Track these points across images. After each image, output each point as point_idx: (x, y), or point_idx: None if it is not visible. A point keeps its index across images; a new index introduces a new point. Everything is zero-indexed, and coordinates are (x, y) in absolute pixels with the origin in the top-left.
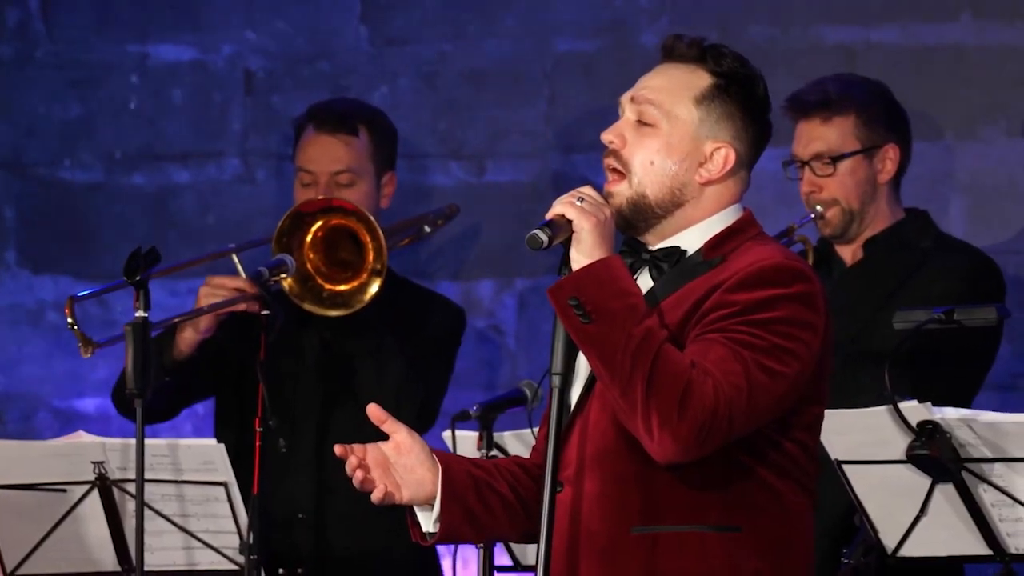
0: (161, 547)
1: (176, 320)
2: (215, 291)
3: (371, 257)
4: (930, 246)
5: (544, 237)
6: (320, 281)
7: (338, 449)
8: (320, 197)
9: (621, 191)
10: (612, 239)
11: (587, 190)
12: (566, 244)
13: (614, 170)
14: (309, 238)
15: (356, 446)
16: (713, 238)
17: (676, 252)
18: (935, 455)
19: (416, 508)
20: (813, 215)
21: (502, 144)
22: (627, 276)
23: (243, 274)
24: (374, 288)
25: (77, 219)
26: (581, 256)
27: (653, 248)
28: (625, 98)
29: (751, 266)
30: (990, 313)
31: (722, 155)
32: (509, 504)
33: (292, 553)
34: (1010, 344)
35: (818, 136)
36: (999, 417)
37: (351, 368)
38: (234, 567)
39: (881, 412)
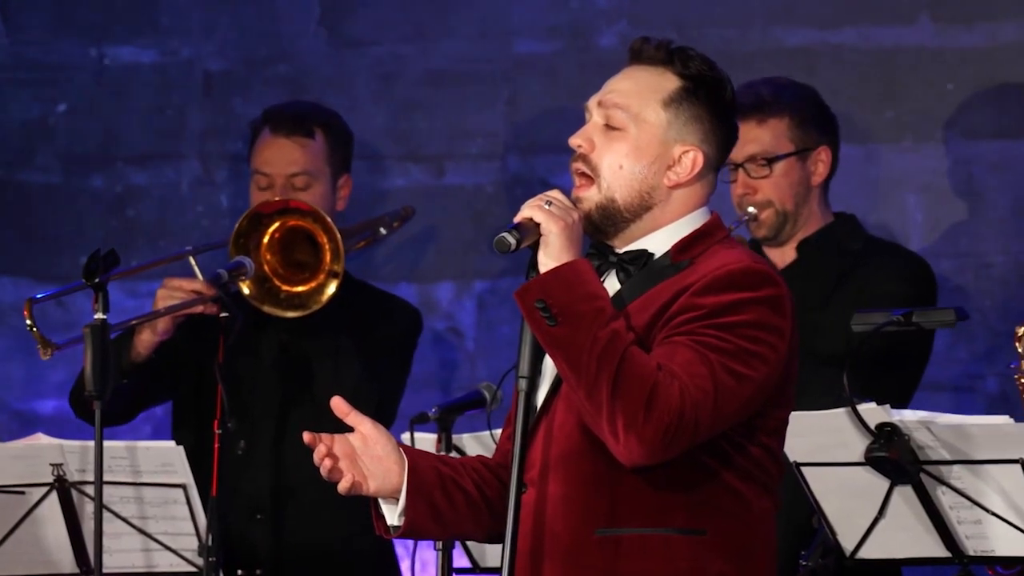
0: (120, 549)
1: (134, 322)
2: (172, 293)
3: (328, 258)
4: (861, 248)
5: (512, 240)
6: (277, 283)
7: (307, 436)
8: (269, 200)
9: (590, 196)
10: (580, 243)
11: (555, 194)
12: (534, 247)
13: (582, 174)
14: (266, 239)
15: (324, 435)
16: (680, 241)
17: (643, 255)
18: (894, 457)
19: (381, 500)
20: (746, 217)
21: (461, 146)
22: (594, 279)
23: (200, 276)
24: (331, 289)
25: (36, 221)
26: (549, 259)
27: (620, 251)
28: (592, 102)
29: (719, 269)
30: (948, 315)
31: (690, 158)
32: (474, 502)
33: (250, 553)
34: (968, 346)
35: (752, 138)
36: (957, 419)
37: (309, 369)
38: (193, 569)
39: (840, 414)
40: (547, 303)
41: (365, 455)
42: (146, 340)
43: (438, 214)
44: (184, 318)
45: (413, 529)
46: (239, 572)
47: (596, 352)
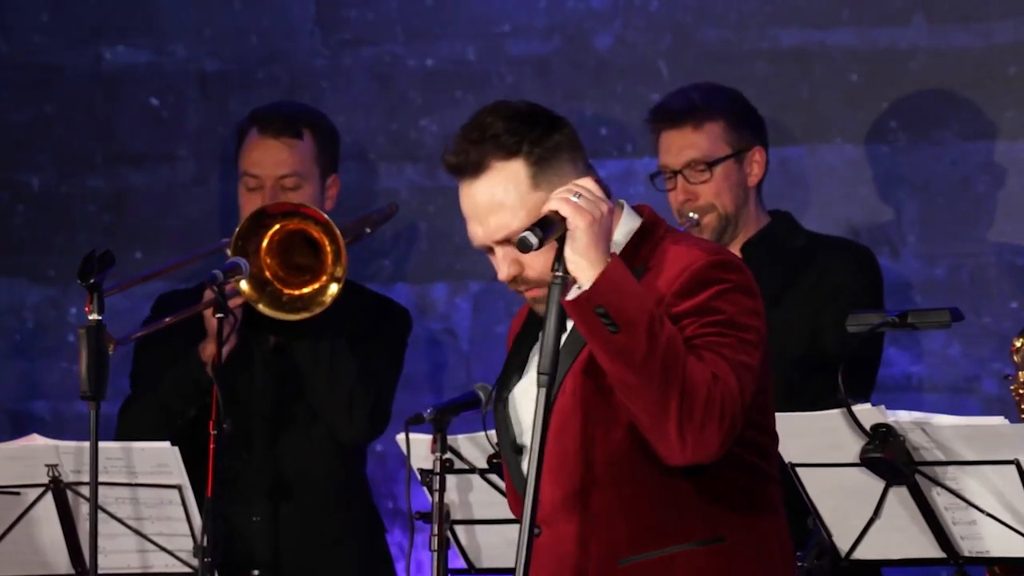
0: (115, 550)
1: (140, 334)
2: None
3: (329, 260)
4: (804, 244)
5: (534, 240)
6: (278, 286)
7: None
8: (280, 200)
9: (540, 294)
10: (610, 236)
11: (586, 183)
12: (560, 241)
13: (529, 290)
14: (265, 243)
15: None
16: (625, 249)
17: None
18: (889, 458)
19: None
20: (688, 224)
21: None
22: (632, 277)
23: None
24: (333, 290)
25: (31, 221)
26: (576, 256)
27: None
28: (486, 240)
29: (681, 274)
30: (944, 316)
31: (588, 186)
32: None
33: (246, 555)
34: (963, 347)
35: (690, 143)
36: (952, 420)
37: (303, 372)
38: (188, 569)
39: (835, 415)
40: (606, 309)
41: None
42: (214, 352)
43: (433, 215)
44: (240, 320)
45: None
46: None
47: (659, 355)
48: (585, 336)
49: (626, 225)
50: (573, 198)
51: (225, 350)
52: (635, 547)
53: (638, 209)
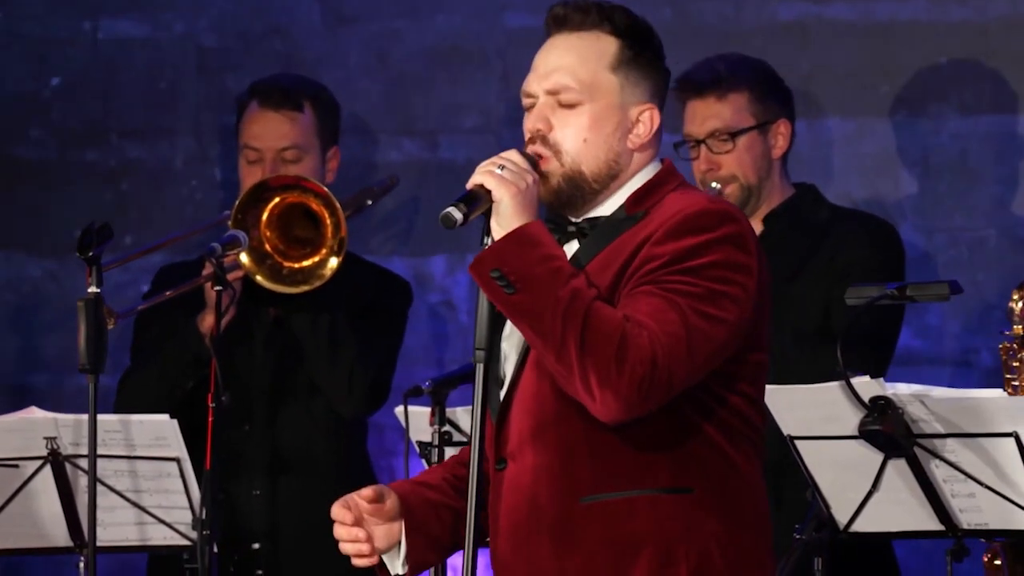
0: (114, 523)
1: (141, 307)
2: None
3: (329, 233)
4: (827, 217)
5: (458, 215)
6: (279, 259)
7: (348, 517)
8: (280, 174)
9: (553, 169)
10: (535, 207)
11: (510, 155)
12: (487, 215)
13: (543, 157)
14: (265, 216)
15: (353, 507)
16: (634, 194)
17: (598, 220)
18: (887, 431)
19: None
20: (711, 193)
21: (455, 121)
22: (549, 240)
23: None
24: (333, 263)
25: (29, 195)
26: (500, 227)
27: (578, 220)
28: (534, 86)
29: (676, 215)
30: (943, 289)
31: (648, 117)
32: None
33: (247, 529)
34: (962, 320)
35: (714, 113)
36: (951, 393)
37: (303, 345)
38: (187, 542)
39: (833, 388)
40: (503, 271)
41: (371, 520)
42: (212, 323)
43: (432, 188)
44: (239, 293)
45: (417, 567)
46: (235, 546)
47: (559, 312)
48: (488, 298)
49: (643, 177)
50: (497, 170)
51: (223, 322)
52: (598, 487)
53: (661, 161)
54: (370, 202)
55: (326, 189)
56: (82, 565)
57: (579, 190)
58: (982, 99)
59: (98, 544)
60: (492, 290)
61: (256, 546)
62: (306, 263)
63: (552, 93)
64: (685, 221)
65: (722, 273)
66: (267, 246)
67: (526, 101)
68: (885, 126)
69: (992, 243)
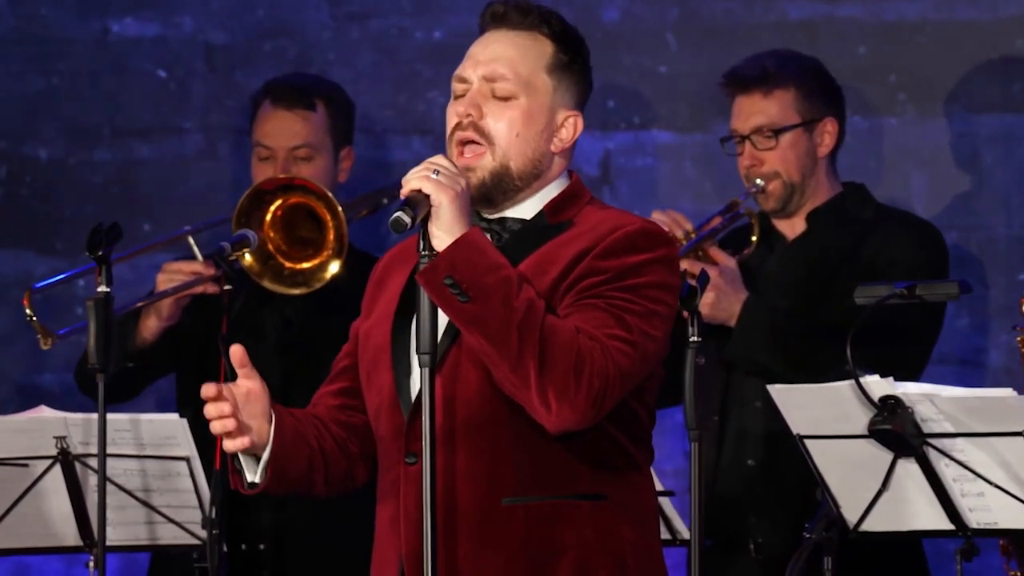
0: (123, 522)
1: (137, 306)
2: (172, 277)
3: (331, 236)
4: (872, 217)
5: (407, 219)
6: (281, 259)
7: (213, 389)
8: (281, 175)
9: (484, 164)
10: (469, 211)
11: (441, 160)
12: (424, 220)
13: (472, 143)
14: (268, 217)
15: (224, 386)
16: (552, 202)
17: (510, 221)
18: (897, 430)
19: (240, 456)
20: (754, 189)
21: None
22: (492, 247)
23: (199, 256)
24: (335, 266)
25: (39, 194)
26: (441, 232)
27: (489, 217)
28: (469, 72)
29: (617, 231)
30: (952, 288)
31: (572, 124)
32: (326, 459)
33: (253, 528)
34: (971, 319)
35: (759, 110)
36: (961, 392)
37: (311, 346)
38: (196, 542)
39: (843, 387)
40: (455, 279)
41: (243, 410)
42: (152, 326)
43: None
44: (188, 301)
45: (272, 487)
46: (242, 546)
47: (515, 324)
48: (440, 307)
49: (558, 184)
50: (433, 175)
51: (153, 327)
52: (520, 490)
53: (569, 172)
54: (386, 201)
55: (324, 189)
56: (91, 564)
57: (502, 187)
58: (991, 97)
59: (107, 543)
60: (444, 298)
61: (262, 547)
62: (306, 265)
63: (489, 80)
64: (627, 239)
65: (657, 293)
66: (270, 246)
67: (459, 87)
68: (894, 125)
69: (1002, 242)
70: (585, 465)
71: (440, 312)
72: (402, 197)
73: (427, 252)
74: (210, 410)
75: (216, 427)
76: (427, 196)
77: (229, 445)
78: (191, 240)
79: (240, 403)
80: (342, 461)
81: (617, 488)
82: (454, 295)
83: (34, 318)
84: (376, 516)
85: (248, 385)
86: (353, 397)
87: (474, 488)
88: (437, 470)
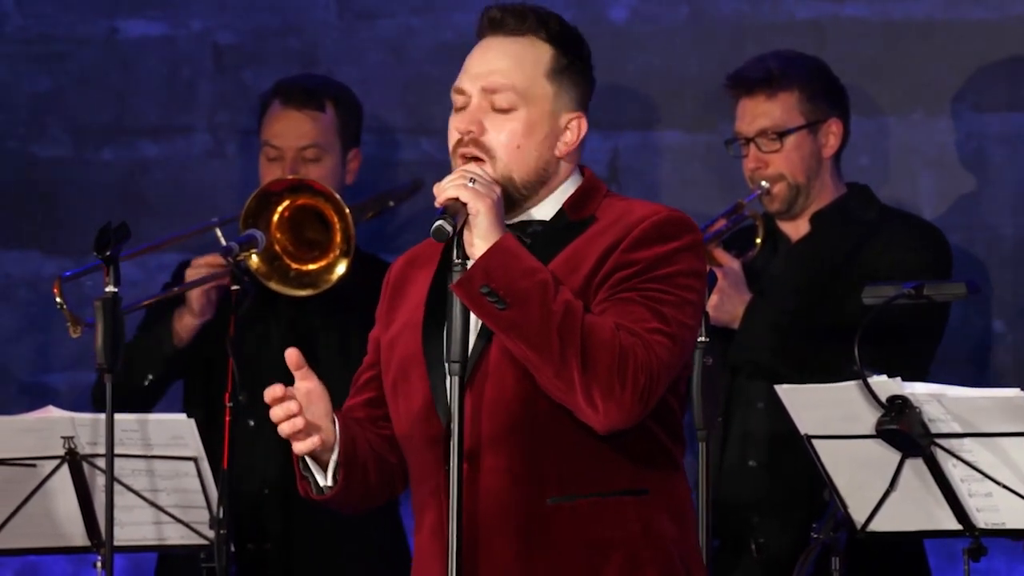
0: (131, 522)
1: (147, 303)
2: (198, 271)
3: (338, 237)
4: (875, 218)
5: (449, 227)
6: (288, 261)
7: (279, 389)
8: (289, 176)
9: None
10: (503, 219)
11: (476, 168)
12: (459, 231)
13: (473, 158)
14: (276, 218)
15: (288, 388)
16: (570, 199)
17: (532, 223)
18: (905, 430)
19: (310, 460)
20: (759, 191)
21: None
22: (526, 252)
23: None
24: (341, 268)
25: (46, 194)
26: (479, 240)
27: (511, 222)
28: (468, 85)
29: (643, 222)
30: (960, 288)
31: (576, 126)
32: (388, 472)
33: (260, 528)
34: (979, 319)
35: (763, 112)
36: (968, 392)
37: (317, 346)
38: (204, 542)
39: (850, 387)
40: (492, 287)
41: (306, 413)
42: (188, 324)
43: None
44: (219, 298)
45: (341, 496)
46: (248, 546)
47: (555, 327)
48: (478, 316)
49: (572, 184)
50: (469, 184)
51: (190, 325)
52: (564, 488)
53: (580, 169)
54: (392, 203)
55: (331, 189)
56: (99, 564)
57: (507, 197)
58: (998, 97)
59: (115, 543)
60: (482, 307)
61: (268, 547)
62: (313, 266)
63: (488, 91)
64: (655, 229)
65: (688, 281)
66: (276, 247)
67: (458, 99)
68: (901, 125)
69: (1009, 242)
70: (626, 460)
71: (472, 316)
72: (438, 206)
73: (461, 260)
74: (277, 412)
75: (285, 428)
76: (464, 204)
77: (299, 447)
78: (218, 232)
79: (303, 404)
80: (386, 470)
81: (656, 481)
82: (492, 303)
83: (64, 306)
84: (415, 528)
85: (307, 386)
86: (382, 407)
87: (519, 490)
88: (480, 473)
